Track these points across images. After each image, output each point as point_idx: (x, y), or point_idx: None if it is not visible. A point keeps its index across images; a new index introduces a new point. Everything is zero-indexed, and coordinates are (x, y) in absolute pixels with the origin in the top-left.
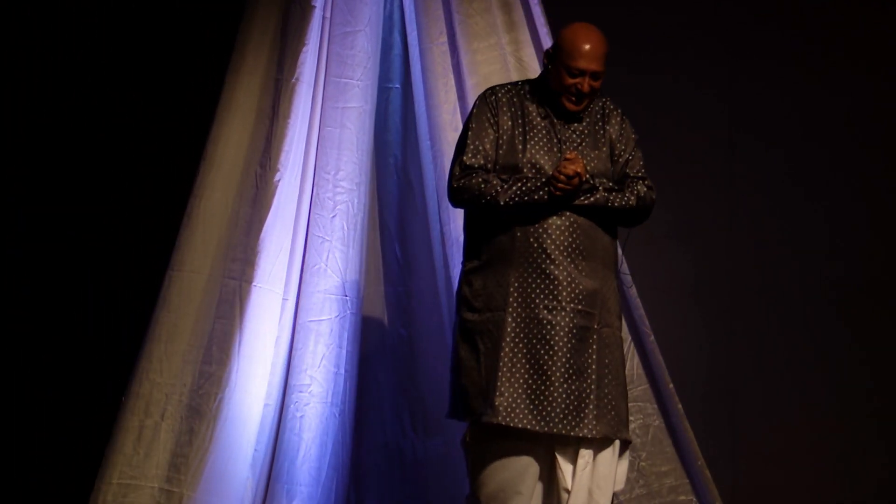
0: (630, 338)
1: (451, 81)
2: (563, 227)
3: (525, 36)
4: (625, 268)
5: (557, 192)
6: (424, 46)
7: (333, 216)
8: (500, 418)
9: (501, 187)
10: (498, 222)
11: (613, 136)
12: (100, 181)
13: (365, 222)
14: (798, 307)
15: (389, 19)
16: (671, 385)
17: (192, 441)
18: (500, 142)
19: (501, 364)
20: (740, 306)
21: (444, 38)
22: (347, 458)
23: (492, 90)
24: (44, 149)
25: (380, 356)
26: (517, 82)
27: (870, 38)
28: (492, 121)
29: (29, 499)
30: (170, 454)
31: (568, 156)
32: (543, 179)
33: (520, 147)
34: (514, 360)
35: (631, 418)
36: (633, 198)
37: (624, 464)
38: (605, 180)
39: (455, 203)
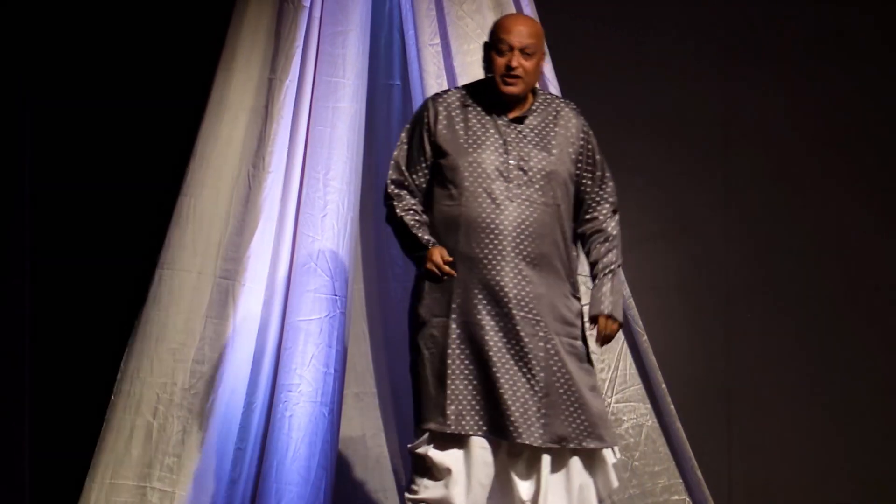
0: (623, 337)
1: (445, 83)
2: (510, 231)
3: None
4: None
5: (428, 269)
6: (419, 47)
7: (324, 215)
8: (450, 426)
9: (403, 222)
10: (443, 228)
11: (571, 140)
12: (89, 177)
13: (356, 222)
14: (791, 305)
15: (389, 17)
16: (664, 385)
17: (184, 440)
18: (432, 149)
19: (450, 372)
20: (733, 305)
21: (438, 40)
22: (337, 457)
23: (434, 97)
24: (34, 145)
25: (383, 353)
26: (464, 86)
27: (862, 37)
28: (429, 127)
29: (19, 498)
30: (162, 454)
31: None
32: (429, 246)
33: (463, 149)
34: (462, 366)
35: (623, 418)
36: (616, 250)
37: (606, 467)
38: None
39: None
